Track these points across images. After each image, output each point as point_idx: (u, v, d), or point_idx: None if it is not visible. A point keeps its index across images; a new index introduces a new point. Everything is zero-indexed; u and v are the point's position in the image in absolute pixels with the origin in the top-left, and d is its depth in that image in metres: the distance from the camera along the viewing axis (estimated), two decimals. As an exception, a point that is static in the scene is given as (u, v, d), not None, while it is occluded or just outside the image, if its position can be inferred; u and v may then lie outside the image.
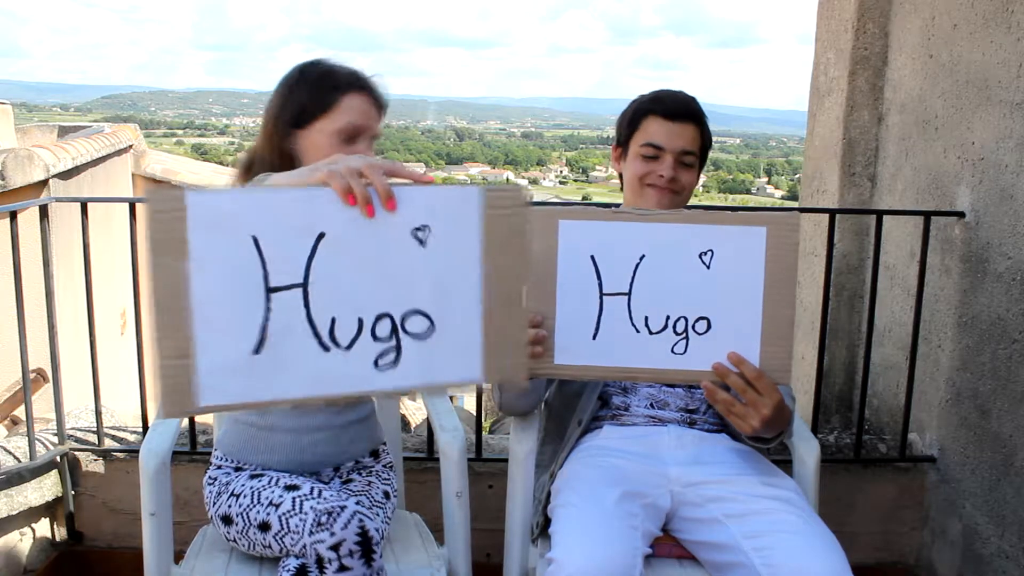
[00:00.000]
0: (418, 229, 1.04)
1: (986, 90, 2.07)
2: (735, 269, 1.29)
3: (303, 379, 1.02)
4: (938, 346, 2.26)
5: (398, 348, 1.06)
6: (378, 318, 1.04)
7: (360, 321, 1.04)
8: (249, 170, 1.47)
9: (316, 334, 1.01)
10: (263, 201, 0.98)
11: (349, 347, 1.03)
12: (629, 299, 1.31)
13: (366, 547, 1.28)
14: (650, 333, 1.31)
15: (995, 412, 2.02)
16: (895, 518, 2.35)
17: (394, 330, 1.05)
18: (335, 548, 1.27)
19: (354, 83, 1.43)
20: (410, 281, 1.05)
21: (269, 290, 0.99)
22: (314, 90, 1.42)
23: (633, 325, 1.31)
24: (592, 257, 1.31)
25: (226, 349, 0.98)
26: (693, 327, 1.31)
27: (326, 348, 1.02)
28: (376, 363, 1.05)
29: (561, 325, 1.32)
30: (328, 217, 1.00)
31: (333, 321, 1.02)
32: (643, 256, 1.30)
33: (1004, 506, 1.99)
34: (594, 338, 1.31)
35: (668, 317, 1.30)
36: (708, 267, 1.29)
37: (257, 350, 0.99)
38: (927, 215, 2.21)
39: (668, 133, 1.57)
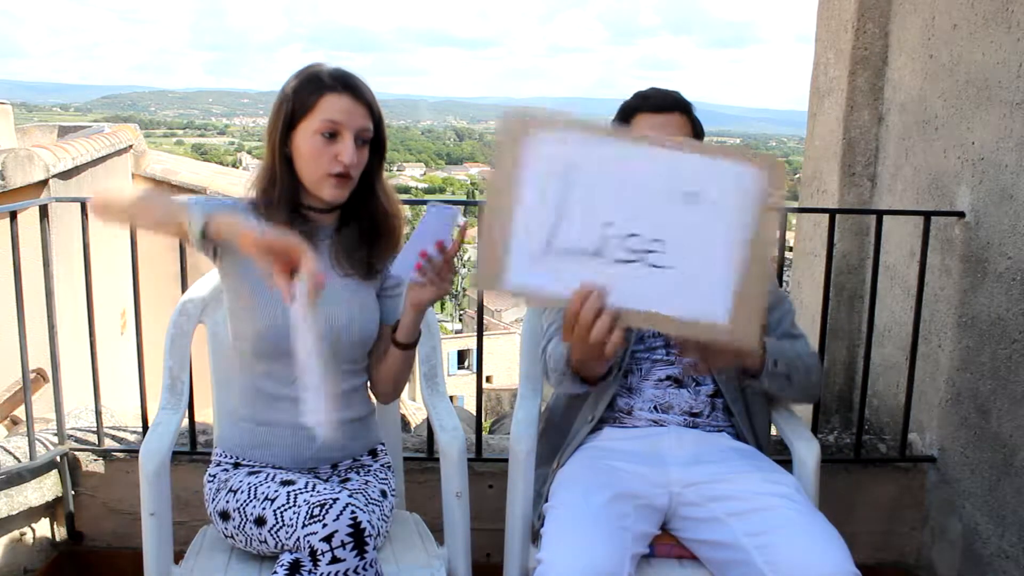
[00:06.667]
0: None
1: (986, 90, 2.07)
2: (719, 213, 1.18)
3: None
4: (938, 346, 2.26)
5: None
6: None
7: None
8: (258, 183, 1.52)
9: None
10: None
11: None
12: (598, 221, 1.20)
13: (358, 539, 1.28)
14: (614, 262, 1.20)
15: (995, 412, 2.02)
16: (895, 518, 2.35)
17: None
18: (327, 540, 1.27)
19: (334, 84, 1.44)
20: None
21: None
22: (298, 93, 1.45)
23: (599, 252, 1.20)
24: (563, 170, 1.19)
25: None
26: (655, 263, 1.20)
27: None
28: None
29: (518, 240, 1.20)
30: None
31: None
32: (621, 180, 1.19)
33: (1004, 506, 1.99)
34: (545, 252, 1.19)
35: (635, 248, 1.20)
36: (690, 207, 1.19)
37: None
38: (927, 215, 2.21)
39: (657, 124, 1.59)
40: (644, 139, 1.24)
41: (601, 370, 1.49)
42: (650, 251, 1.19)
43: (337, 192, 1.47)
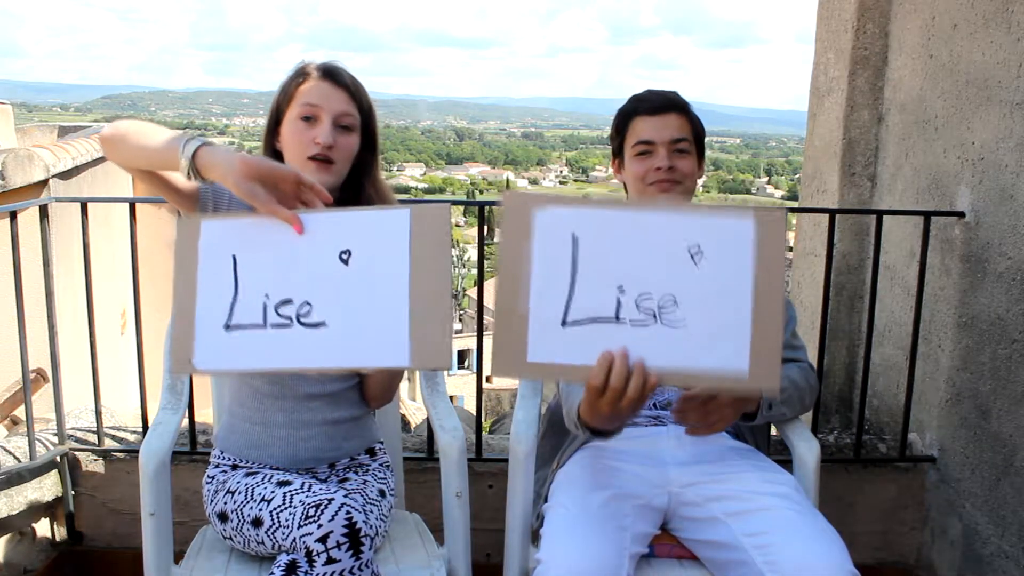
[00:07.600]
0: (343, 252, 1.24)
1: (986, 90, 2.07)
2: (723, 267, 1.21)
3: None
4: (938, 346, 2.26)
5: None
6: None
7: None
8: None
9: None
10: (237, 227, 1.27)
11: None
12: (611, 287, 1.21)
13: (354, 539, 1.28)
14: (631, 325, 1.21)
15: (995, 412, 2.02)
16: (895, 518, 2.35)
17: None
18: (323, 540, 1.27)
19: (313, 72, 1.48)
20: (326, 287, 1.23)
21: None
22: (283, 86, 1.50)
23: (615, 317, 1.21)
24: (572, 241, 1.22)
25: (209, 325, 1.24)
26: (671, 322, 1.21)
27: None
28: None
29: (535, 318, 1.22)
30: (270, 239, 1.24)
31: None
32: (626, 246, 1.22)
33: (1004, 506, 1.99)
34: (563, 324, 1.21)
35: (650, 309, 1.21)
36: (696, 265, 1.22)
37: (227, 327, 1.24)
38: (927, 215, 2.21)
39: (655, 126, 1.59)
40: (643, 205, 1.28)
41: (616, 425, 1.42)
42: (664, 310, 1.21)
43: (319, 177, 1.42)
